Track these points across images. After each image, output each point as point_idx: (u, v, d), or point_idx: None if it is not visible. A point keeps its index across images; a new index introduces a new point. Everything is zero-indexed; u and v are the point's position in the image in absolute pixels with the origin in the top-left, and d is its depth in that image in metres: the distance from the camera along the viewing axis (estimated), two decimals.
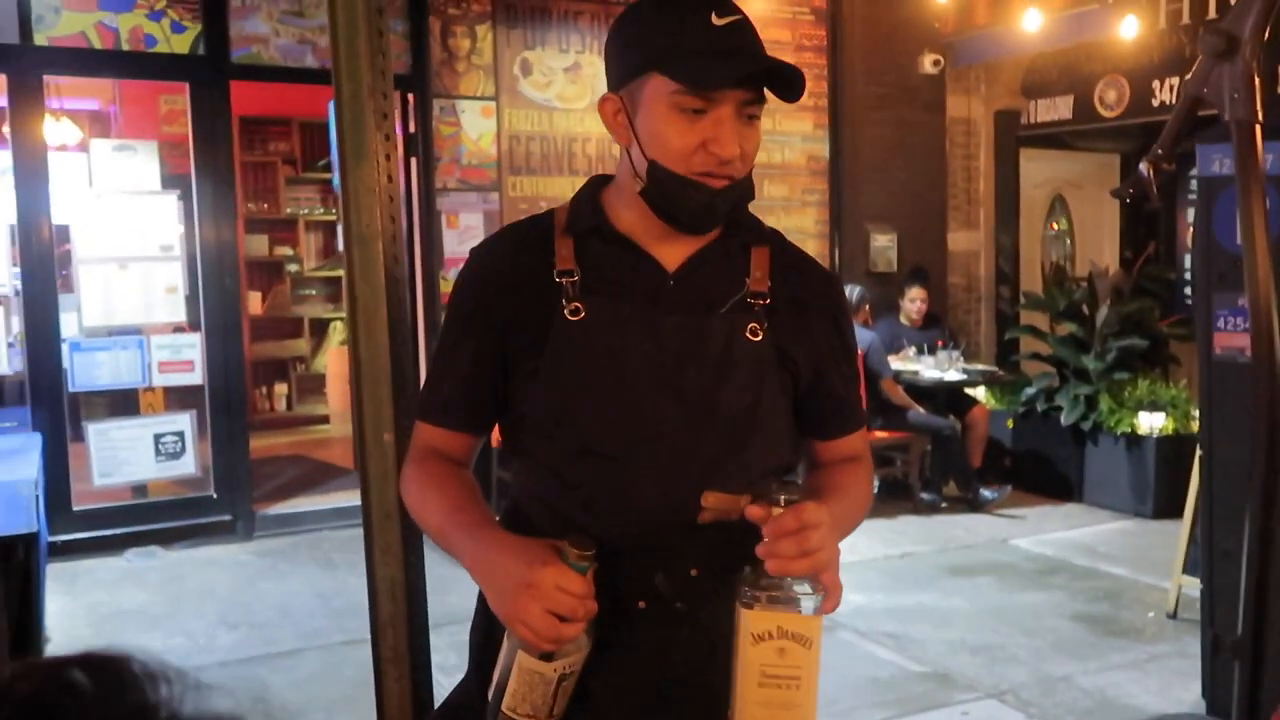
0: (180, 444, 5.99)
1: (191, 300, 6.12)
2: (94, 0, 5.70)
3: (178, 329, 6.15)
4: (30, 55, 5.60)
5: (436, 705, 1.80)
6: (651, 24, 1.39)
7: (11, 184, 5.63)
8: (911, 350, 7.09)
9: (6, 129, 5.70)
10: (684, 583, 1.45)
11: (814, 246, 7.57)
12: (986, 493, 6.68)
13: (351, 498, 6.25)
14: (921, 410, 6.76)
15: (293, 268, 9.54)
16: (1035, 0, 6.86)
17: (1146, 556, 5.57)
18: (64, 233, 5.91)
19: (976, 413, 7.00)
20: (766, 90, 1.38)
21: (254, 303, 9.11)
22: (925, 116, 7.94)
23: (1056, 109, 7.84)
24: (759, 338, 1.45)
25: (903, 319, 7.31)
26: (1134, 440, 6.51)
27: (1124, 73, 7.25)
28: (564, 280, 1.44)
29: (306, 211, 9.53)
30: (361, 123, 1.64)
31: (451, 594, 2.08)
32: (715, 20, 1.34)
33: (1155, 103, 7.08)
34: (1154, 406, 6.50)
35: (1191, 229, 6.26)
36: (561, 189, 6.76)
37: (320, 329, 9.61)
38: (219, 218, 6.06)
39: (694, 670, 1.45)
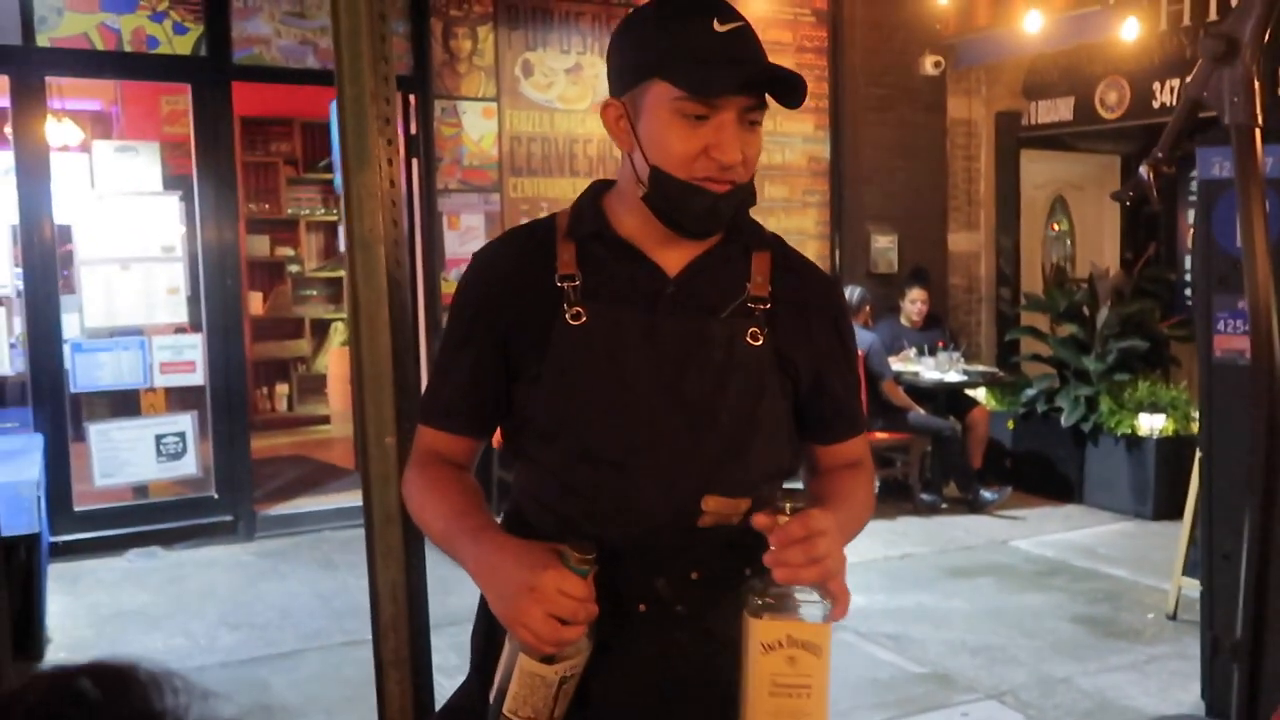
0: (181, 444, 6.00)
1: (193, 301, 6.12)
2: (96, 1, 5.71)
3: (179, 330, 6.16)
4: (32, 56, 5.60)
5: (437, 707, 1.81)
6: (654, 30, 1.39)
7: (14, 184, 5.63)
8: (912, 351, 7.10)
9: (9, 130, 5.71)
10: (684, 586, 1.45)
11: (815, 247, 7.58)
12: (987, 494, 6.69)
13: (352, 498, 6.28)
14: (922, 411, 6.76)
15: (294, 268, 9.55)
16: (1036, 2, 6.86)
17: (1146, 558, 5.58)
18: (66, 233, 5.92)
19: (977, 414, 7.01)
20: (768, 96, 1.38)
21: (255, 303, 9.11)
22: (926, 118, 7.95)
23: (1057, 110, 7.84)
24: (760, 342, 1.45)
25: (903, 320, 7.32)
26: (1134, 441, 6.51)
27: (1125, 74, 7.25)
28: (565, 285, 1.44)
29: (308, 212, 9.53)
30: (364, 128, 1.64)
31: (452, 595, 2.09)
32: (717, 27, 1.35)
33: (1156, 104, 7.08)
34: (1154, 408, 6.50)
35: (1192, 231, 6.27)
36: (563, 190, 6.76)
37: (321, 329, 9.62)
38: (220, 218, 6.07)
39: (695, 673, 1.46)
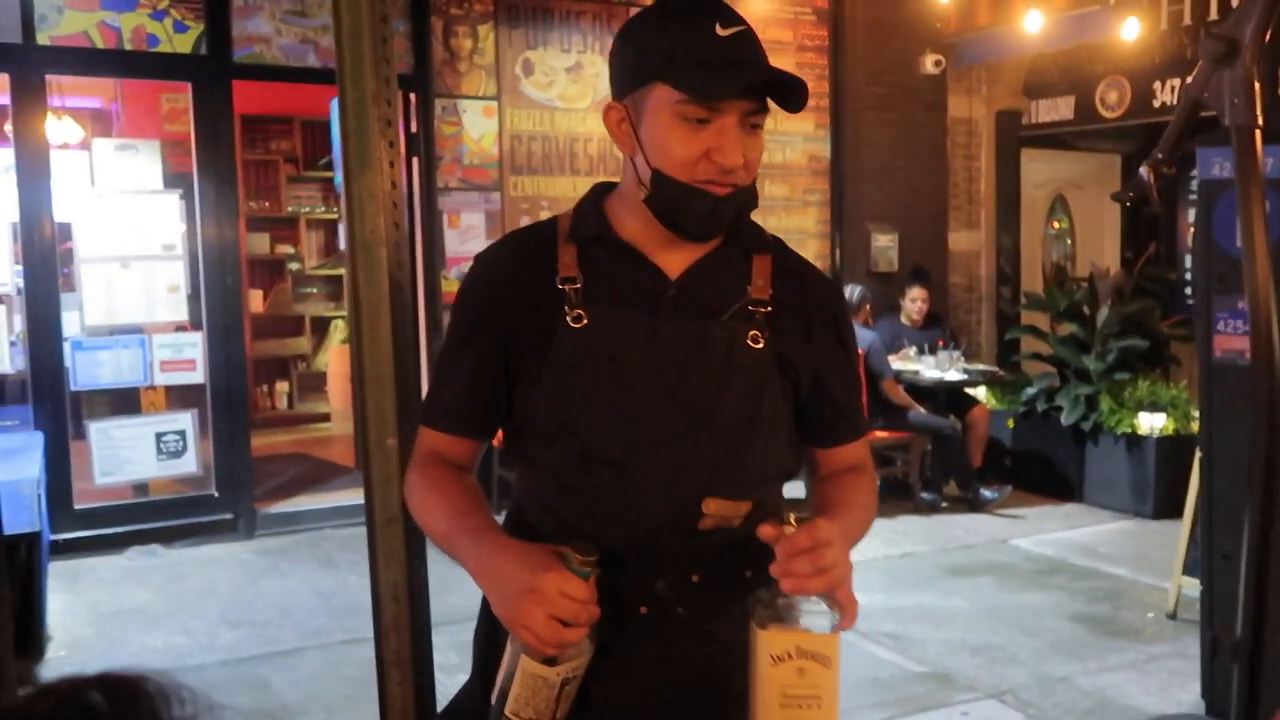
0: (182, 443, 6.00)
1: (193, 299, 6.13)
2: (96, 0, 5.71)
3: (179, 328, 6.16)
4: (33, 54, 5.60)
5: (439, 706, 1.81)
6: (656, 34, 1.40)
7: (14, 182, 5.64)
8: (912, 350, 7.10)
9: (9, 127, 5.71)
10: (685, 588, 1.45)
11: (815, 246, 7.59)
12: (987, 493, 6.69)
13: (352, 496, 6.29)
14: (922, 410, 6.76)
15: (294, 266, 9.56)
16: (1037, 1, 6.86)
17: (1146, 557, 5.58)
18: (66, 231, 5.93)
19: (977, 413, 7.01)
20: (770, 99, 1.39)
21: (255, 301, 9.12)
22: (927, 117, 7.95)
23: (1058, 109, 7.84)
24: (760, 345, 1.45)
25: (903, 319, 7.32)
26: (1134, 440, 6.52)
27: (1125, 73, 7.25)
28: (567, 287, 1.45)
29: (308, 210, 9.54)
30: (366, 130, 1.65)
31: (452, 594, 2.09)
32: (719, 31, 1.35)
33: (1156, 104, 7.09)
34: (1154, 407, 6.50)
35: (1192, 230, 6.27)
36: (563, 189, 6.77)
37: (321, 327, 9.62)
38: (221, 216, 6.07)
39: (696, 675, 1.46)
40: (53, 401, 5.72)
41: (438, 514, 1.48)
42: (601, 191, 1.54)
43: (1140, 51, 6.91)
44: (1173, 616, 4.70)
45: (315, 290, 9.68)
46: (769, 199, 7.26)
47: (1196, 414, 4.90)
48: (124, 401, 6.33)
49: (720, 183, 1.38)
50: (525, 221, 6.60)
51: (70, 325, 5.83)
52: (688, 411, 1.42)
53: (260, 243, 9.31)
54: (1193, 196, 5.56)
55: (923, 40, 7.71)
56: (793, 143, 7.51)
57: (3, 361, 5.76)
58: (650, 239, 1.46)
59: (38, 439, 5.22)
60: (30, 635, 4.35)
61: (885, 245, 7.80)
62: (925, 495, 6.75)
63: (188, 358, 6.01)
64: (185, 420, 6.04)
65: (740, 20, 1.38)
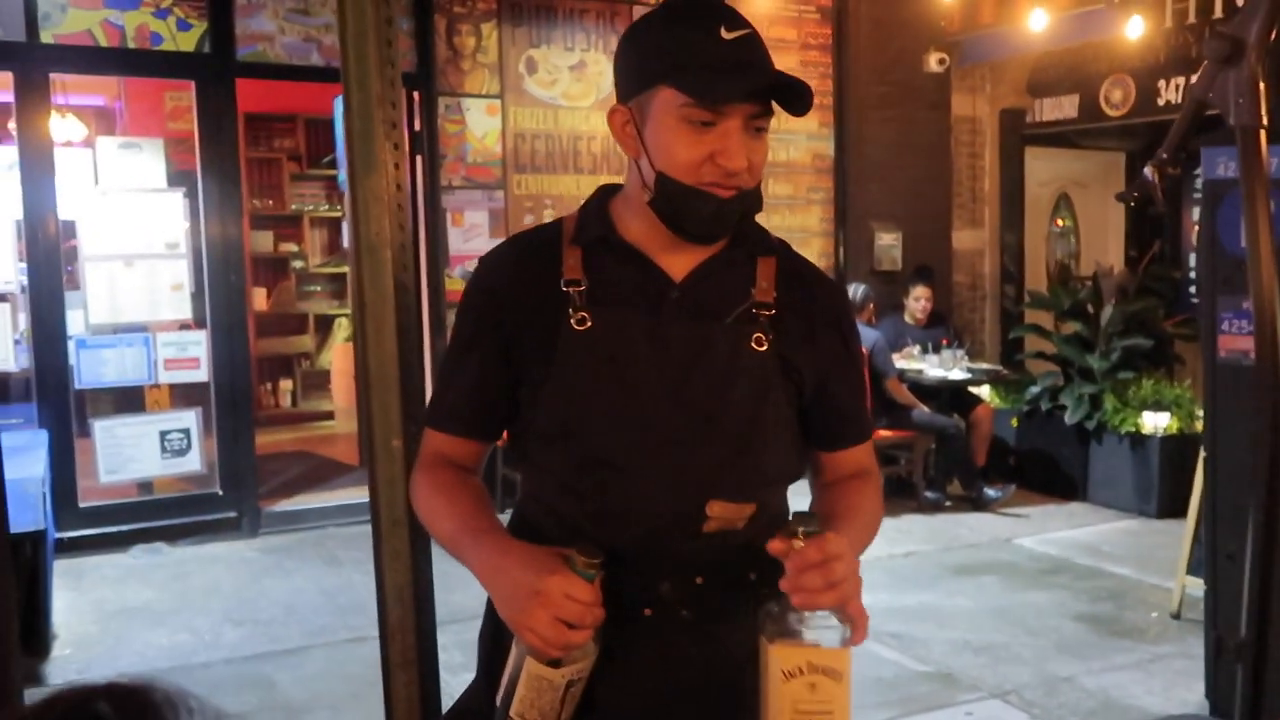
0: (186, 441, 6.01)
1: (197, 297, 6.13)
2: None
3: (183, 326, 6.17)
4: (36, 53, 5.61)
5: (444, 707, 1.81)
6: (661, 37, 1.40)
7: (18, 180, 5.64)
8: (916, 349, 7.09)
9: (13, 126, 5.72)
10: (689, 591, 1.45)
11: (819, 245, 7.59)
12: (990, 492, 6.69)
13: (356, 494, 6.30)
14: (926, 409, 6.76)
15: (298, 264, 9.57)
16: None
17: (1151, 556, 5.58)
18: (70, 229, 5.93)
19: (981, 411, 7.00)
20: (774, 103, 1.38)
21: (259, 299, 9.14)
22: (930, 115, 7.94)
23: (1062, 108, 7.83)
24: (764, 347, 1.45)
25: (907, 318, 7.31)
26: (1138, 440, 6.51)
27: (1130, 72, 7.24)
28: (571, 290, 1.45)
29: (311, 208, 9.55)
30: (371, 132, 1.64)
31: (456, 592, 2.09)
32: (724, 34, 1.35)
33: (1161, 102, 7.08)
34: (1158, 406, 6.50)
35: (1196, 229, 6.26)
36: (566, 187, 6.77)
37: (325, 325, 9.64)
38: (224, 214, 6.08)
39: (700, 677, 1.46)
40: (57, 400, 5.73)
41: (443, 516, 1.48)
42: (606, 194, 1.54)
43: (1144, 50, 6.90)
44: (1177, 616, 4.70)
45: (319, 288, 9.69)
46: (773, 197, 7.26)
47: (1201, 413, 4.90)
48: (128, 400, 6.34)
49: (724, 185, 1.38)
50: (529, 220, 6.61)
51: (74, 323, 5.83)
52: (691, 414, 1.42)
53: (264, 241, 9.32)
54: (1197, 195, 5.56)
55: (927, 38, 7.70)
56: (796, 141, 7.51)
57: (7, 360, 5.76)
58: (654, 241, 1.46)
59: (42, 437, 5.23)
60: (35, 634, 4.36)
61: (889, 244, 7.79)
62: (929, 494, 6.75)
63: (192, 356, 6.02)
64: (189, 418, 6.05)
65: (745, 23, 1.38)
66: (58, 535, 5.36)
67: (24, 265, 5.77)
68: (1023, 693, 4.00)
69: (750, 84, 1.35)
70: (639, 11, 6.73)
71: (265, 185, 9.37)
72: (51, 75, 5.83)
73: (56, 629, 4.61)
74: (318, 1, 6.16)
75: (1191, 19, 6.52)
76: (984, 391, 7.34)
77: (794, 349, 1.48)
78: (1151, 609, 4.86)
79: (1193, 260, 7.72)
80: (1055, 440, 6.95)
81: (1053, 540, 6.03)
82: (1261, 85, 2.02)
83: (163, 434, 5.96)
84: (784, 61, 6.95)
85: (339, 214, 9.50)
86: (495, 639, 1.49)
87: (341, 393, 8.95)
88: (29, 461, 4.48)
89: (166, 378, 6.05)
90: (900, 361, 6.89)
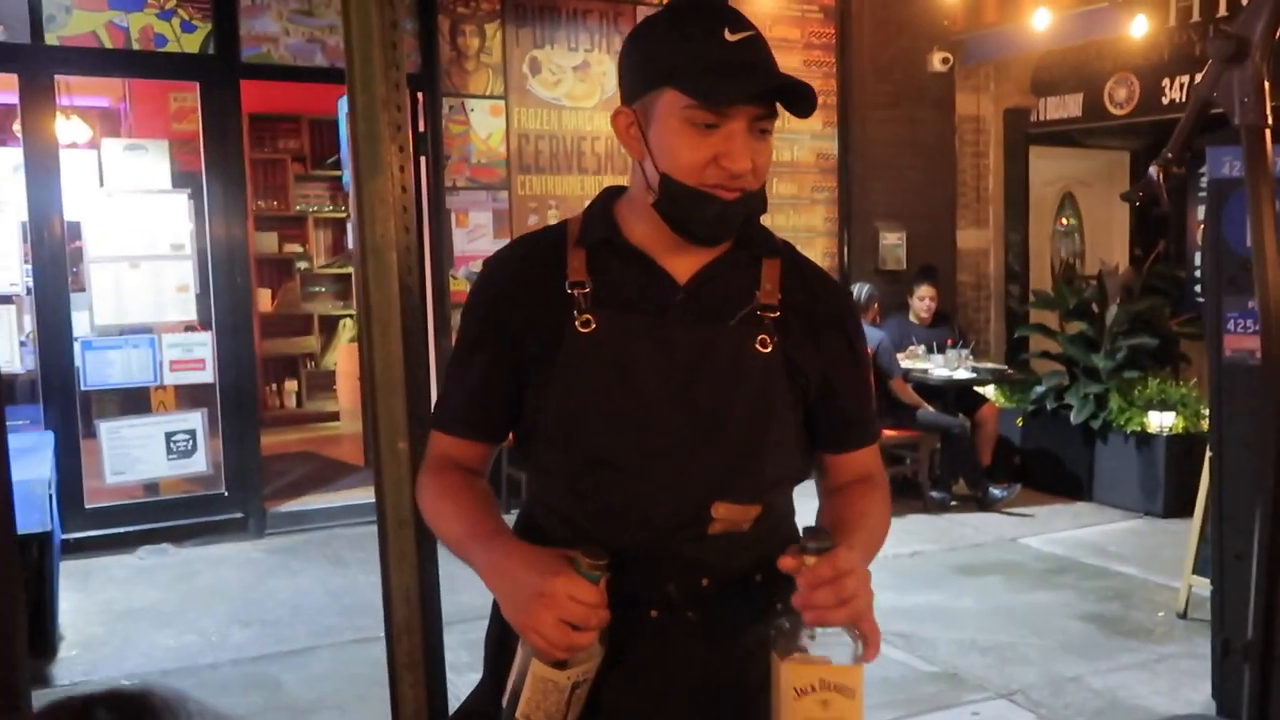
0: (191, 442, 6.02)
1: (202, 298, 6.14)
2: (104, 0, 5.73)
3: (189, 327, 6.18)
4: (41, 54, 5.62)
5: (450, 708, 1.81)
6: (665, 39, 1.40)
7: (23, 182, 5.66)
8: (920, 349, 7.09)
9: (18, 127, 5.73)
10: (695, 592, 1.46)
11: (823, 244, 7.59)
12: (996, 491, 6.68)
13: (362, 495, 6.31)
14: (931, 409, 6.76)
15: (302, 265, 9.59)
16: None
17: (1157, 556, 5.57)
18: (75, 231, 5.94)
19: (986, 411, 7.00)
20: (779, 104, 1.38)
21: (264, 300, 9.16)
22: (934, 114, 7.94)
23: (1066, 107, 7.83)
24: (769, 349, 1.45)
25: (912, 317, 7.31)
26: (1144, 439, 6.50)
27: (1134, 70, 7.24)
28: (575, 292, 1.45)
29: (316, 209, 9.57)
30: (376, 135, 1.65)
31: (462, 593, 2.10)
32: (728, 36, 1.35)
33: (1165, 101, 7.07)
34: (1164, 405, 6.48)
35: (1202, 228, 6.25)
36: (570, 188, 6.77)
37: (330, 326, 9.65)
38: (229, 215, 6.09)
39: (705, 679, 1.46)
40: (63, 401, 5.74)
41: (449, 518, 1.48)
42: (610, 195, 1.54)
43: (1149, 48, 6.90)
44: (1183, 616, 4.69)
45: (323, 289, 9.71)
46: (777, 197, 7.26)
47: (1206, 412, 4.89)
48: (134, 401, 6.34)
49: (728, 187, 1.38)
50: (533, 220, 6.61)
51: (80, 325, 5.85)
52: (696, 416, 1.42)
53: (268, 242, 9.33)
54: (1202, 193, 5.56)
55: (930, 38, 7.70)
56: (800, 140, 7.51)
57: (13, 361, 5.78)
58: (659, 243, 1.46)
59: (48, 438, 5.24)
60: (42, 635, 4.37)
61: (893, 243, 7.79)
62: (934, 494, 6.74)
63: (197, 357, 6.03)
64: (195, 419, 6.06)
65: (749, 25, 1.38)
66: (64, 536, 5.37)
67: (29, 267, 5.78)
68: (1029, 693, 4.00)
69: (754, 86, 1.35)
70: (643, 12, 6.74)
71: (270, 186, 9.38)
72: (56, 77, 5.85)
73: (63, 630, 4.62)
74: (322, 2, 6.17)
75: (1196, 17, 6.51)
76: (989, 391, 7.33)
77: (799, 351, 1.48)
78: (1158, 609, 4.85)
79: (1198, 259, 7.70)
80: (1060, 440, 6.94)
81: (1058, 540, 6.02)
82: (1267, 84, 2.02)
83: (168, 435, 5.98)
84: (787, 61, 6.96)
85: (343, 215, 9.51)
86: (501, 640, 1.49)
87: (346, 393, 8.97)
88: (35, 463, 4.49)
89: (172, 379, 6.06)
90: (905, 361, 6.88)
